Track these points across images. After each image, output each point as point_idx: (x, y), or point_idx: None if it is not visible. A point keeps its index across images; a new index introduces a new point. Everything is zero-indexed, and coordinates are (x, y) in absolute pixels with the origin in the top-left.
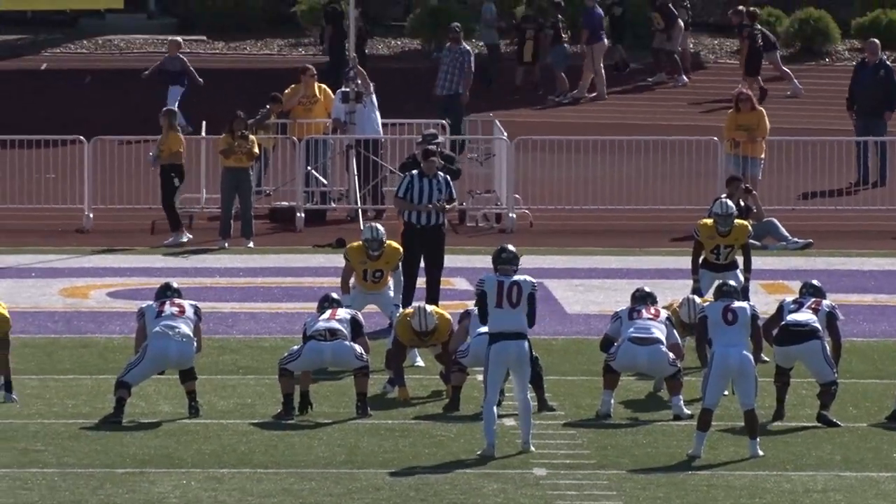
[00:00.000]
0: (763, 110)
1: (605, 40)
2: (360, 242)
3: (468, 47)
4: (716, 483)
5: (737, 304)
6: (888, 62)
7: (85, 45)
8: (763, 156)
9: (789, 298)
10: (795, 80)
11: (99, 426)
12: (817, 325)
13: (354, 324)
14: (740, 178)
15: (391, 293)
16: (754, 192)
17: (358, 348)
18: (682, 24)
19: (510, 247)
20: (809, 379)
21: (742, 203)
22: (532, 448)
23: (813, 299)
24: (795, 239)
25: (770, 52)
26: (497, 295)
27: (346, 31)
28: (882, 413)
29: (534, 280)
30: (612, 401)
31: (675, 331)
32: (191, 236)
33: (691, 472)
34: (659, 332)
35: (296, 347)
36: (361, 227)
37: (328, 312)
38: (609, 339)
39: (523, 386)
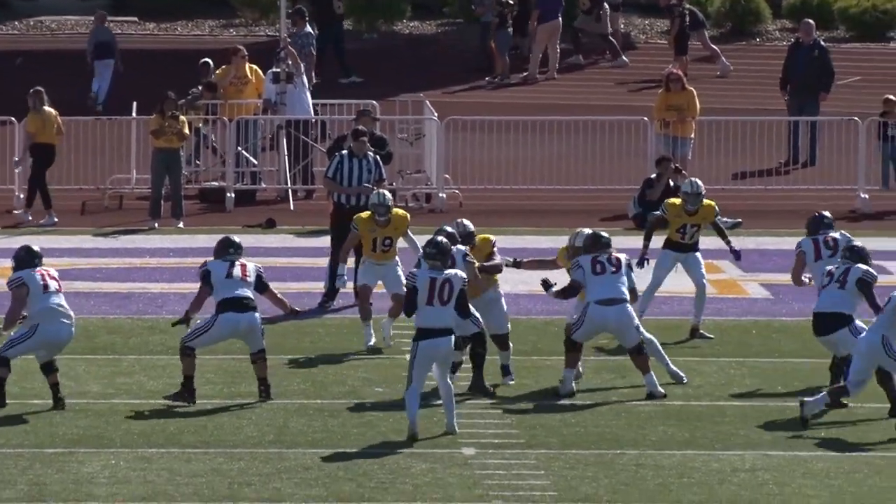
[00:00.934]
0: (693, 90)
1: (560, 20)
2: (368, 212)
3: (310, 30)
4: (644, 463)
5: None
6: (822, 42)
7: (16, 27)
8: (693, 136)
9: (828, 267)
10: (724, 59)
11: (28, 407)
12: (843, 309)
13: (260, 278)
14: (670, 157)
15: (399, 270)
16: (684, 171)
17: (261, 327)
18: (606, 6)
19: (441, 239)
20: (738, 358)
21: (672, 183)
22: (457, 429)
23: (844, 268)
24: (725, 219)
25: (698, 30)
26: (429, 292)
27: (335, 10)
28: (810, 392)
29: (464, 275)
30: (573, 378)
31: (633, 275)
32: (56, 219)
33: (620, 451)
34: (624, 288)
35: (201, 322)
36: (291, 208)
37: (238, 269)
38: (576, 285)
39: (445, 374)
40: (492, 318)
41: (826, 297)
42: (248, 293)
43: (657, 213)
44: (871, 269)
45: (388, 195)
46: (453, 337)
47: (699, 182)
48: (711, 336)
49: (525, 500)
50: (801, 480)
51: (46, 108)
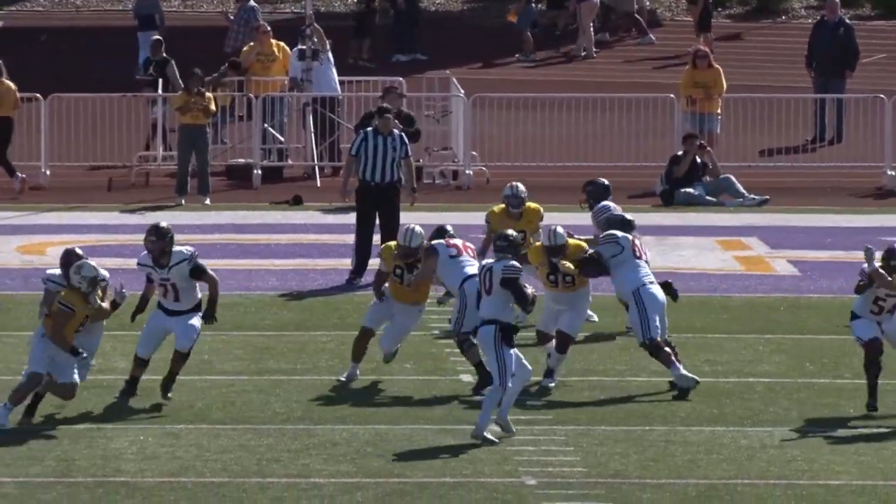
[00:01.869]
0: (720, 68)
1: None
2: (502, 205)
3: (254, 4)
4: (673, 439)
5: None
6: (847, 20)
7: (41, 3)
8: (720, 112)
9: None
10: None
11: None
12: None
13: None
14: (696, 134)
15: None
16: (709, 148)
17: None
18: None
19: (510, 232)
20: (766, 335)
21: (699, 160)
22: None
23: None
24: (752, 195)
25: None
26: (479, 282)
27: None
28: (838, 369)
29: (511, 263)
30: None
31: None
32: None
33: (649, 427)
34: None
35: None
36: (318, 185)
37: None
38: (597, 259)
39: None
40: (564, 317)
41: None
42: None
43: None
44: None
45: (522, 187)
46: (492, 327)
47: None
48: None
49: (554, 476)
50: (830, 456)
51: (5, 80)
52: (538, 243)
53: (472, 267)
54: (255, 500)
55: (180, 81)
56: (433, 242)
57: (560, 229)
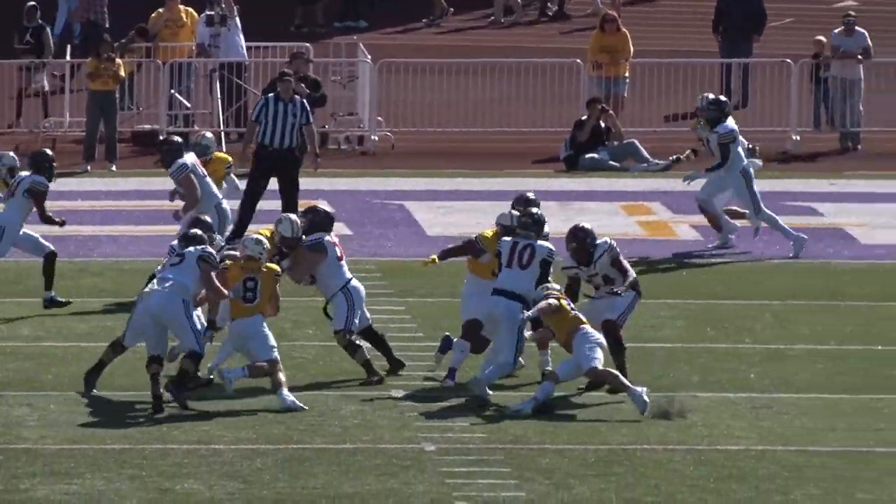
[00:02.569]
0: (627, 32)
1: None
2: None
3: None
4: (572, 404)
5: None
6: None
7: None
8: (627, 75)
9: None
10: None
11: None
12: None
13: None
14: (599, 98)
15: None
16: (611, 112)
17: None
18: None
19: (535, 210)
20: (668, 300)
21: (602, 124)
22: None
23: None
24: (657, 161)
25: None
26: (511, 253)
27: None
28: (739, 335)
29: (551, 247)
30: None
31: None
32: None
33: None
34: None
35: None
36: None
37: None
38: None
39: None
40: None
41: None
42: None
43: None
44: None
45: (209, 135)
46: (514, 303)
47: None
48: None
49: (453, 442)
50: (730, 422)
51: None
52: (489, 230)
53: (348, 272)
54: (155, 466)
55: (52, 47)
56: (323, 238)
57: (515, 212)
